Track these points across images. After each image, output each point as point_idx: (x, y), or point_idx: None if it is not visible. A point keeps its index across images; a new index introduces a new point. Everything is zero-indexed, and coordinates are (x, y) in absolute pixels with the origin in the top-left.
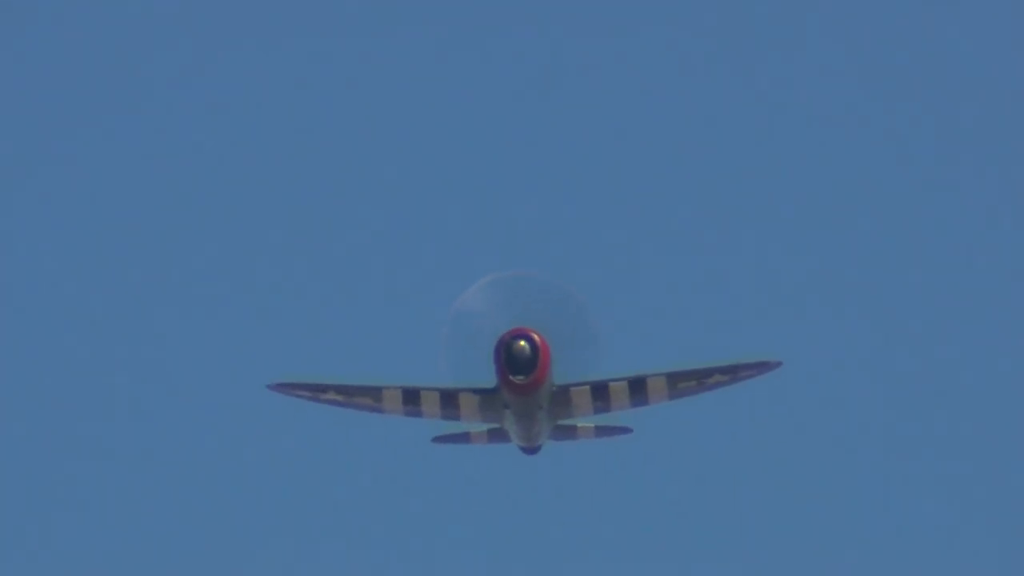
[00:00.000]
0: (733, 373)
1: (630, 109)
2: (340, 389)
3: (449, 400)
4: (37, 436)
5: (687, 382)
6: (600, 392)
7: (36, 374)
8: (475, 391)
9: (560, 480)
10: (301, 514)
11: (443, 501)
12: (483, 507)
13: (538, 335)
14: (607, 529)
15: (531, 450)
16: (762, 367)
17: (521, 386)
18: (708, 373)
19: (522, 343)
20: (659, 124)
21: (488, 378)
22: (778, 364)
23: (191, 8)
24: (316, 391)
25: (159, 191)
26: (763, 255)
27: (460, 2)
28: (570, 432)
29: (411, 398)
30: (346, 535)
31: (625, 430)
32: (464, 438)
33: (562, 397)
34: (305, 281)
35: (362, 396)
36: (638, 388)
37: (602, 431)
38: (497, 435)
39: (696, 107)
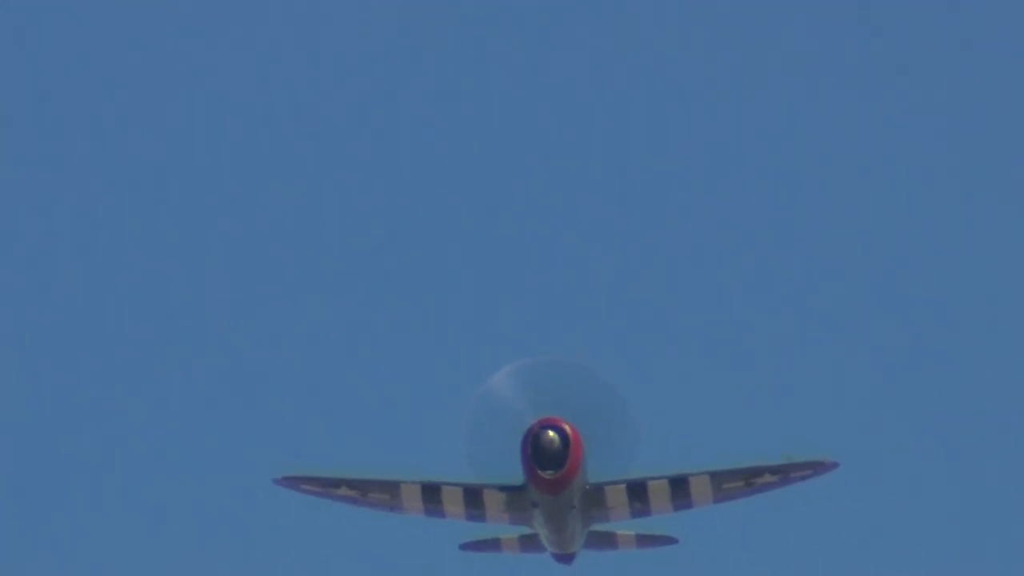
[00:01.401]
0: (784, 473)
1: (673, 185)
2: (354, 484)
3: (473, 498)
4: (33, 539)
5: (734, 483)
6: (638, 492)
7: (33, 465)
8: (501, 488)
9: None
10: None
11: None
12: None
13: (569, 426)
14: None
15: (565, 558)
16: (816, 467)
17: (550, 482)
18: (757, 473)
19: (551, 434)
20: (698, 201)
21: (515, 474)
22: (834, 465)
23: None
24: (328, 486)
25: (161, 279)
26: (818, 343)
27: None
28: (609, 541)
29: (432, 495)
30: None
31: (670, 540)
32: (494, 545)
33: (596, 496)
34: (317, 365)
35: (378, 492)
36: (680, 488)
37: (644, 540)
38: (530, 543)
39: (740, 185)
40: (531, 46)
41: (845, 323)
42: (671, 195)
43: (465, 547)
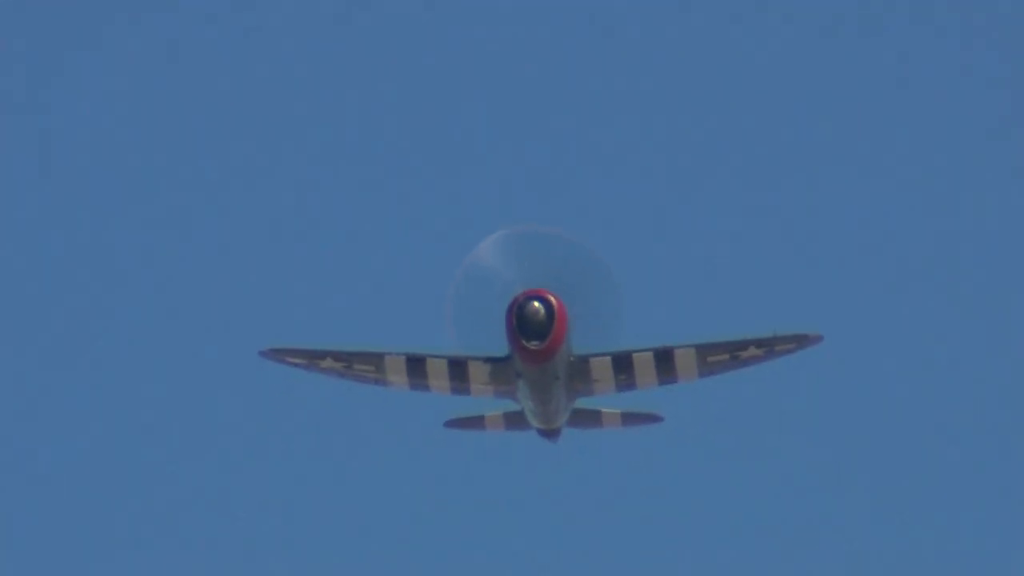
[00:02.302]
0: (769, 347)
1: (667, 61)
2: (339, 356)
3: (458, 370)
4: (22, 399)
5: (718, 355)
6: (623, 364)
7: (20, 336)
8: (486, 360)
9: (581, 469)
10: (293, 498)
11: (453, 492)
12: (498, 497)
13: (554, 297)
14: (631, 524)
15: (550, 433)
16: (801, 341)
17: (535, 352)
18: (742, 346)
19: (536, 305)
20: (695, 77)
21: (501, 347)
22: (819, 338)
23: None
24: (312, 358)
25: (148, 153)
26: (803, 220)
27: None
28: (594, 419)
29: (416, 367)
30: (344, 526)
31: (655, 418)
32: (479, 423)
33: (581, 368)
34: (300, 239)
35: (363, 364)
36: (665, 361)
37: (629, 419)
38: (514, 420)
39: (738, 65)
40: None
41: (832, 200)
42: (661, 71)
43: (449, 424)
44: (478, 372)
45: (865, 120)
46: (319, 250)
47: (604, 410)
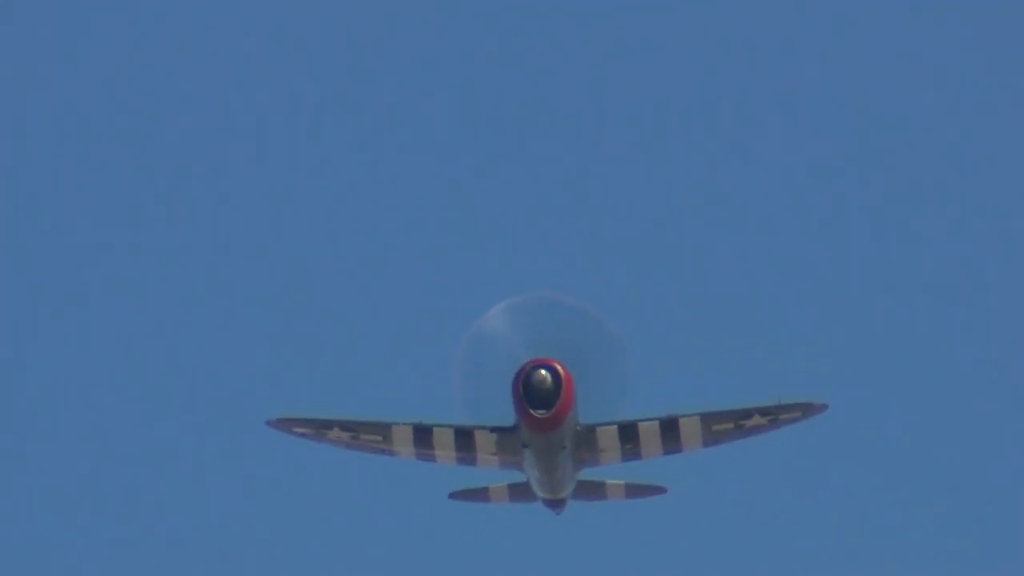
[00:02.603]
0: (774, 415)
1: (669, 123)
2: (346, 425)
3: (464, 440)
4: (31, 467)
5: (723, 424)
6: (629, 433)
7: (33, 407)
8: (492, 429)
9: (587, 541)
10: (298, 568)
11: (458, 564)
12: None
13: (561, 366)
14: None
15: (555, 504)
16: (806, 410)
17: (541, 421)
18: (746, 415)
19: (543, 373)
20: (695, 140)
21: (507, 416)
22: (823, 407)
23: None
24: (320, 428)
25: (158, 212)
26: (808, 287)
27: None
28: (598, 491)
29: (423, 437)
30: None
31: (659, 490)
32: (483, 494)
33: (587, 438)
34: (308, 306)
35: (370, 434)
36: (670, 430)
37: (633, 490)
38: (519, 492)
39: (745, 126)
40: None
41: (836, 265)
42: (664, 133)
43: (454, 496)
44: (484, 442)
45: (873, 185)
46: (327, 318)
47: (608, 481)
